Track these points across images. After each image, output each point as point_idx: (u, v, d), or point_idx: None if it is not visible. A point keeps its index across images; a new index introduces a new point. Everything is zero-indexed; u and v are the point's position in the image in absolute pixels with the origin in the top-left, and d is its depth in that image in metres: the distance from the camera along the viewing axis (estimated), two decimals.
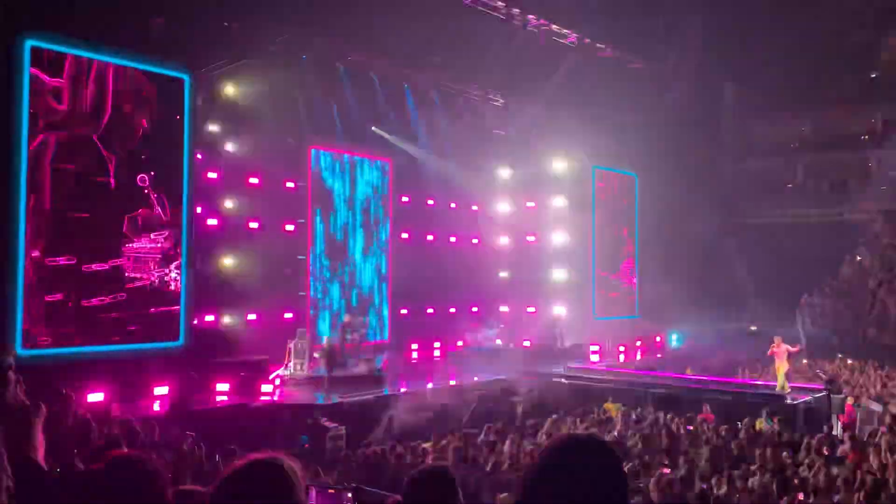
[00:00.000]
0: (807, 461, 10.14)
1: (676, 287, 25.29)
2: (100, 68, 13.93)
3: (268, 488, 1.90)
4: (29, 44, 12.86)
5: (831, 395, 16.11)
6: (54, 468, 5.46)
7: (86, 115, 13.84)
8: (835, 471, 9.35)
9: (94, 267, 13.77)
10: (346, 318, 19.35)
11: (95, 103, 13.94)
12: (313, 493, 3.52)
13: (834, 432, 13.43)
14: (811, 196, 30.61)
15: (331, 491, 3.58)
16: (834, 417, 15.10)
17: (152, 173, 14.82)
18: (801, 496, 8.40)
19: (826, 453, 10.56)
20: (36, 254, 12.97)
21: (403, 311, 23.84)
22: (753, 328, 27.11)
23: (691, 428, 13.12)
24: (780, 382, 16.29)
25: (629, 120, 24.94)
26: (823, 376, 17.89)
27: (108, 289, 13.93)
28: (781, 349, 16.37)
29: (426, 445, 11.40)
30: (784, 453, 10.58)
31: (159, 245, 14.87)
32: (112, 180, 14.17)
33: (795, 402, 15.63)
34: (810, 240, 27.74)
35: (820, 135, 31.94)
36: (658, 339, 26.05)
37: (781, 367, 16.32)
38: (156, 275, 14.76)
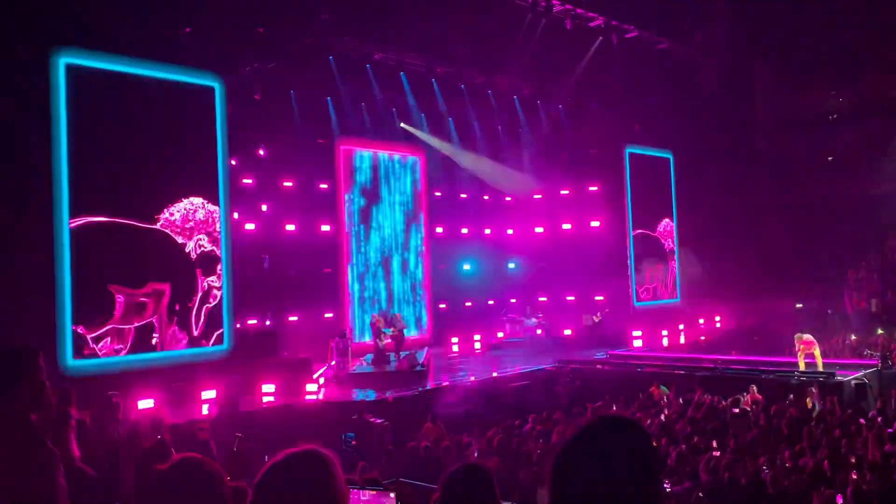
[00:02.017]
0: (859, 439, 9.94)
1: (717, 267, 24.92)
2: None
3: (306, 479, 1.96)
4: (63, 61, 13.12)
5: (883, 371, 15.93)
6: (100, 472, 5.62)
7: None
8: (889, 448, 9.16)
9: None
10: (378, 314, 19.57)
11: None
12: (360, 493, 3.55)
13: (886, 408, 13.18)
14: (853, 169, 29.75)
15: (374, 492, 3.61)
16: (886, 393, 14.83)
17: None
18: (854, 474, 8.23)
19: (879, 430, 10.34)
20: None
21: (442, 306, 23.95)
22: (799, 305, 26.61)
23: (737, 410, 12.96)
24: (818, 363, 16.49)
25: (661, 100, 24.59)
26: (873, 353, 17.63)
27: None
28: (805, 340, 16.56)
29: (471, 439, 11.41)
30: (835, 431, 10.40)
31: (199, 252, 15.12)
32: None
33: (846, 380, 15.35)
34: (854, 214, 27.06)
35: (860, 105, 31.00)
36: (701, 321, 25.70)
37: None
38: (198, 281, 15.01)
